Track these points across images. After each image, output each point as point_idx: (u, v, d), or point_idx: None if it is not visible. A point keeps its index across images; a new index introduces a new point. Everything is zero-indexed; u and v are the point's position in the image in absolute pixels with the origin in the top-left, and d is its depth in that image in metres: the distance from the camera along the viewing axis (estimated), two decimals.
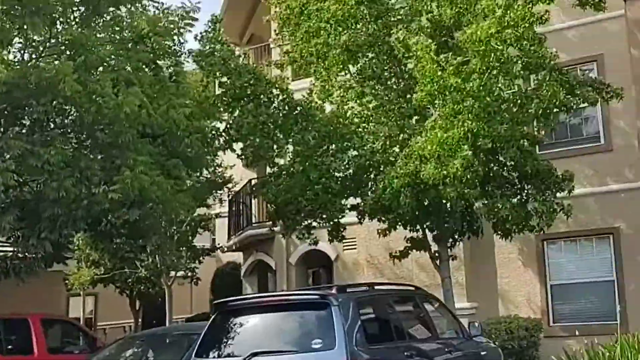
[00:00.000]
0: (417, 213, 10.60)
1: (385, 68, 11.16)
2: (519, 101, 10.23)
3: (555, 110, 10.45)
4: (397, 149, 10.51)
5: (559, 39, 12.70)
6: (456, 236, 11.44)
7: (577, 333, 10.59)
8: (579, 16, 12.87)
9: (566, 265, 13.50)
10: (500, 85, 9.75)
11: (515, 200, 10.70)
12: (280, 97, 11.66)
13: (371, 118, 11.11)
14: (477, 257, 13.83)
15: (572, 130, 13.69)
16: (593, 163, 13.26)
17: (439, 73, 9.49)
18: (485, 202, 10.36)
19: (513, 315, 12.87)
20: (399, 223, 11.04)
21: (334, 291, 7.08)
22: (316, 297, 7.08)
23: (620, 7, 11.55)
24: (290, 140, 11.49)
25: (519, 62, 10.12)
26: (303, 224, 11.81)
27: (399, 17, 11.02)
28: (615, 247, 13.01)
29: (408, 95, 10.62)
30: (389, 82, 11.25)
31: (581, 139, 13.61)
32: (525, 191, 10.90)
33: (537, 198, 10.54)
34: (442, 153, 9.29)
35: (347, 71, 11.50)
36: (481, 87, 9.51)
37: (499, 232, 11.15)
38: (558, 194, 10.75)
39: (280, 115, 11.52)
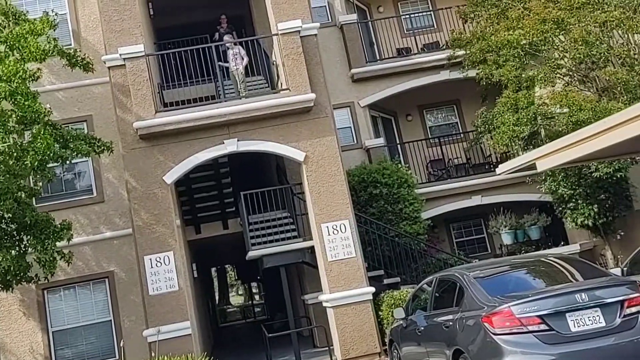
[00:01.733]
0: None
1: None
2: (15, 154, 10.49)
3: (50, 162, 11.10)
4: None
5: (51, 99, 13.53)
6: None
7: None
8: (68, 80, 14.07)
9: (67, 311, 14.11)
10: None
11: (14, 251, 10.84)
12: None
13: None
14: None
15: (67, 183, 14.59)
16: (88, 213, 14.39)
17: None
18: None
19: None
20: None
21: None
22: None
23: (106, 74, 13.00)
24: None
25: (14, 115, 10.52)
26: None
27: None
28: (111, 289, 14.26)
29: None
30: None
31: (76, 191, 14.60)
32: (25, 242, 11.14)
33: (38, 248, 10.89)
34: None
35: None
36: None
37: (0, 285, 11.08)
38: (58, 243, 11.29)
39: None
